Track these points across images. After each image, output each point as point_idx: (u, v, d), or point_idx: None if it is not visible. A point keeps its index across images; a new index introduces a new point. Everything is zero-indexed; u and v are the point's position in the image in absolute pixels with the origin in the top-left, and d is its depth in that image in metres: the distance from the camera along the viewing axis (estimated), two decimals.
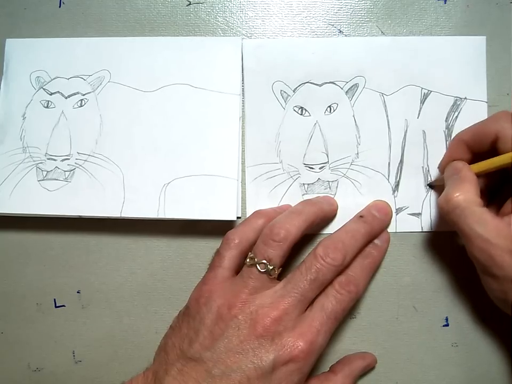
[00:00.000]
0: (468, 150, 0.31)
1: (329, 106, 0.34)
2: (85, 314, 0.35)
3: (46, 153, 0.35)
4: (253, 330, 0.27)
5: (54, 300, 0.35)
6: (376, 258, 0.32)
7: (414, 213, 0.34)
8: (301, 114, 0.34)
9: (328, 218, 0.33)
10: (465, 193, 0.28)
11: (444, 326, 0.34)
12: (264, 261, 0.28)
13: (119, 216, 0.34)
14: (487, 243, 0.27)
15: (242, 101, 0.35)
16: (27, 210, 0.34)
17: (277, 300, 0.28)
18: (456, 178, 0.30)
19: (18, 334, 0.35)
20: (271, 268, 0.28)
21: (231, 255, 0.30)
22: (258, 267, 0.28)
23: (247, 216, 0.33)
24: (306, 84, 0.34)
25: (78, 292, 0.35)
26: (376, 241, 0.32)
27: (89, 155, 0.35)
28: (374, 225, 0.32)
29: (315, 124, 0.34)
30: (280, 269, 0.29)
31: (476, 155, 0.31)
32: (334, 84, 0.34)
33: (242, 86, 0.35)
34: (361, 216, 0.32)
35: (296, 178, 0.34)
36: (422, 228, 0.34)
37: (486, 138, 0.30)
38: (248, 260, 0.29)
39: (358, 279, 0.30)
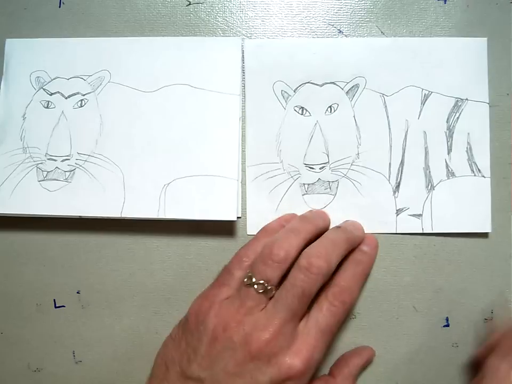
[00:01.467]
0: None
1: (330, 107, 0.34)
2: (85, 314, 0.35)
3: (46, 154, 0.35)
4: (247, 352, 0.27)
5: (54, 300, 0.35)
6: (367, 264, 0.32)
7: (415, 214, 0.34)
8: (302, 114, 0.34)
9: (320, 234, 0.32)
10: None
11: (444, 326, 0.34)
12: (262, 281, 0.28)
13: (119, 216, 0.34)
14: None
15: (242, 101, 0.35)
16: (27, 210, 0.34)
17: (269, 321, 0.27)
18: None
19: (18, 334, 0.35)
20: (268, 288, 0.28)
21: (241, 275, 0.30)
22: (256, 287, 0.28)
23: (247, 215, 0.33)
24: (307, 84, 0.34)
25: (77, 292, 0.35)
26: (365, 248, 0.32)
27: (89, 155, 0.35)
28: (353, 234, 0.32)
29: (315, 124, 0.34)
30: (277, 288, 0.29)
31: None
32: (335, 84, 0.34)
33: (243, 86, 0.35)
34: (338, 227, 0.32)
35: (297, 178, 0.34)
36: (422, 229, 0.34)
37: None
38: (246, 280, 0.29)
39: (351, 288, 0.30)
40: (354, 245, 0.32)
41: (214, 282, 0.31)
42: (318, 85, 0.34)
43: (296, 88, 0.34)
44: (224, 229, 0.34)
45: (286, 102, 0.34)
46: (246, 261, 0.30)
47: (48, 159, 0.35)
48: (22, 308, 0.35)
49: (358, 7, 0.35)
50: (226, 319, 0.28)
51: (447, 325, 0.34)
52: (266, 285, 0.28)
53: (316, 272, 0.28)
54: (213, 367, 0.27)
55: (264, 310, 0.28)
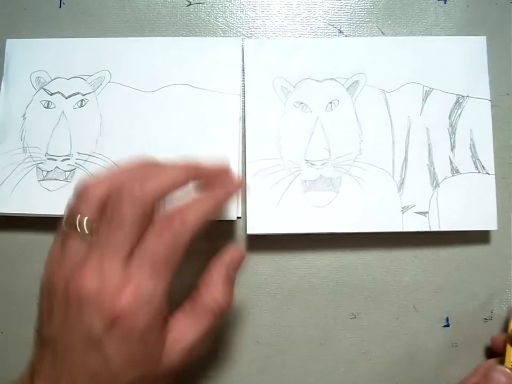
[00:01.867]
0: None
1: (330, 103, 0.34)
2: None
3: (46, 153, 0.35)
4: (68, 298, 0.23)
5: None
6: (216, 196, 0.27)
7: (421, 212, 0.33)
8: (302, 110, 0.34)
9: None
10: None
11: (444, 326, 0.34)
12: (78, 218, 0.25)
13: None
14: None
15: (243, 101, 0.35)
16: (27, 210, 0.34)
17: (86, 259, 0.24)
18: None
19: (18, 334, 0.35)
20: (84, 224, 0.25)
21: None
22: (71, 225, 0.25)
23: (247, 212, 0.33)
24: (306, 80, 0.34)
25: None
26: (222, 187, 0.28)
27: (89, 155, 0.35)
28: (202, 167, 0.28)
29: (316, 120, 0.34)
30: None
31: None
32: (335, 80, 0.34)
33: (243, 86, 0.35)
34: None
35: (297, 175, 0.34)
36: (430, 227, 0.33)
37: None
38: (65, 220, 0.25)
39: (186, 213, 0.25)
40: (198, 175, 0.28)
41: None
42: (318, 81, 0.34)
43: (296, 84, 0.34)
44: (224, 229, 0.34)
45: (286, 98, 0.34)
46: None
47: (48, 158, 0.35)
48: (22, 307, 0.35)
49: (358, 8, 0.35)
50: (52, 268, 0.25)
51: (447, 325, 0.34)
52: (82, 221, 0.24)
53: (131, 195, 0.24)
54: (50, 324, 0.24)
55: (84, 249, 0.24)
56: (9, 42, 0.36)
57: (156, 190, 0.25)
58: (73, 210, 0.25)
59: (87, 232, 0.25)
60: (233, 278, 0.28)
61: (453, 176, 0.34)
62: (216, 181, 0.29)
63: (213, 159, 0.29)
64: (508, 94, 0.34)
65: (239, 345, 0.34)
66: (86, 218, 0.24)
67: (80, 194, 0.25)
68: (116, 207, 0.24)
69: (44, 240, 0.35)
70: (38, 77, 0.36)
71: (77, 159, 0.35)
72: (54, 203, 0.34)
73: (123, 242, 0.24)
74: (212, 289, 0.26)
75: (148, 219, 0.25)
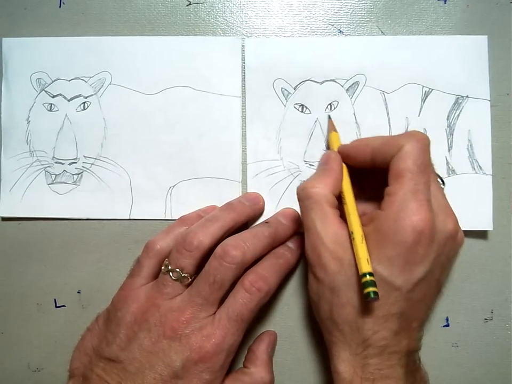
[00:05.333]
0: (370, 156, 0.29)
1: (330, 104, 0.34)
2: (85, 314, 0.35)
3: (53, 157, 0.35)
4: (162, 332, 0.29)
5: (55, 299, 0.35)
6: (290, 260, 0.32)
7: None
8: (302, 111, 0.34)
9: (253, 217, 0.34)
10: (322, 188, 0.28)
11: (444, 326, 0.34)
12: (177, 269, 0.29)
13: (128, 218, 0.34)
14: (320, 242, 0.27)
15: (243, 102, 0.35)
16: (39, 213, 0.35)
17: (184, 305, 0.29)
18: (322, 169, 0.30)
19: (18, 334, 0.35)
20: (183, 275, 0.29)
21: (149, 264, 0.31)
22: (171, 275, 0.29)
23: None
24: (307, 81, 0.34)
25: (78, 292, 0.35)
26: (289, 244, 0.33)
27: (95, 158, 0.35)
28: (279, 230, 0.32)
29: (315, 121, 0.34)
30: (194, 276, 0.30)
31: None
32: (335, 81, 0.34)
33: (243, 86, 0.35)
34: (266, 222, 0.32)
35: (297, 176, 0.34)
36: None
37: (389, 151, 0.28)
38: (163, 267, 0.30)
39: (268, 277, 0.30)
40: (279, 241, 0.32)
41: (128, 274, 0.32)
42: (318, 82, 0.34)
43: (296, 86, 0.34)
44: None
45: (286, 99, 0.34)
46: (153, 250, 0.31)
47: (56, 162, 0.35)
48: (22, 307, 0.35)
49: (358, 7, 0.35)
50: (144, 304, 0.29)
51: (447, 325, 0.34)
52: (181, 272, 0.29)
53: (229, 261, 0.29)
54: (129, 347, 0.29)
55: (180, 296, 0.29)
56: (5, 41, 0.36)
57: (253, 257, 0.30)
58: (176, 261, 0.29)
59: (186, 283, 0.30)
60: (272, 357, 0.33)
61: (449, 176, 0.34)
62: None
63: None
64: (507, 94, 0.34)
65: None
66: (187, 274, 0.29)
67: (184, 247, 0.29)
68: (220, 270, 0.29)
69: (44, 240, 0.35)
70: (38, 78, 0.35)
71: (83, 162, 0.35)
72: (64, 206, 0.35)
73: (219, 298, 0.29)
74: (260, 370, 0.31)
75: None
